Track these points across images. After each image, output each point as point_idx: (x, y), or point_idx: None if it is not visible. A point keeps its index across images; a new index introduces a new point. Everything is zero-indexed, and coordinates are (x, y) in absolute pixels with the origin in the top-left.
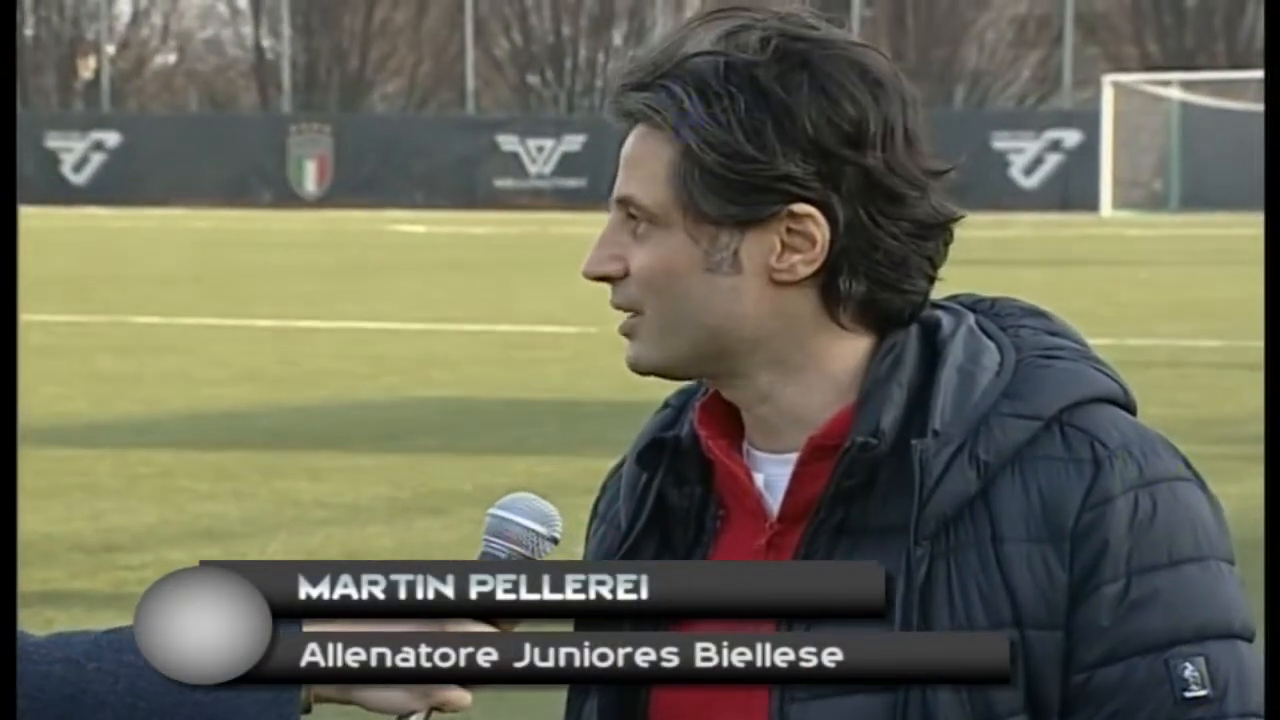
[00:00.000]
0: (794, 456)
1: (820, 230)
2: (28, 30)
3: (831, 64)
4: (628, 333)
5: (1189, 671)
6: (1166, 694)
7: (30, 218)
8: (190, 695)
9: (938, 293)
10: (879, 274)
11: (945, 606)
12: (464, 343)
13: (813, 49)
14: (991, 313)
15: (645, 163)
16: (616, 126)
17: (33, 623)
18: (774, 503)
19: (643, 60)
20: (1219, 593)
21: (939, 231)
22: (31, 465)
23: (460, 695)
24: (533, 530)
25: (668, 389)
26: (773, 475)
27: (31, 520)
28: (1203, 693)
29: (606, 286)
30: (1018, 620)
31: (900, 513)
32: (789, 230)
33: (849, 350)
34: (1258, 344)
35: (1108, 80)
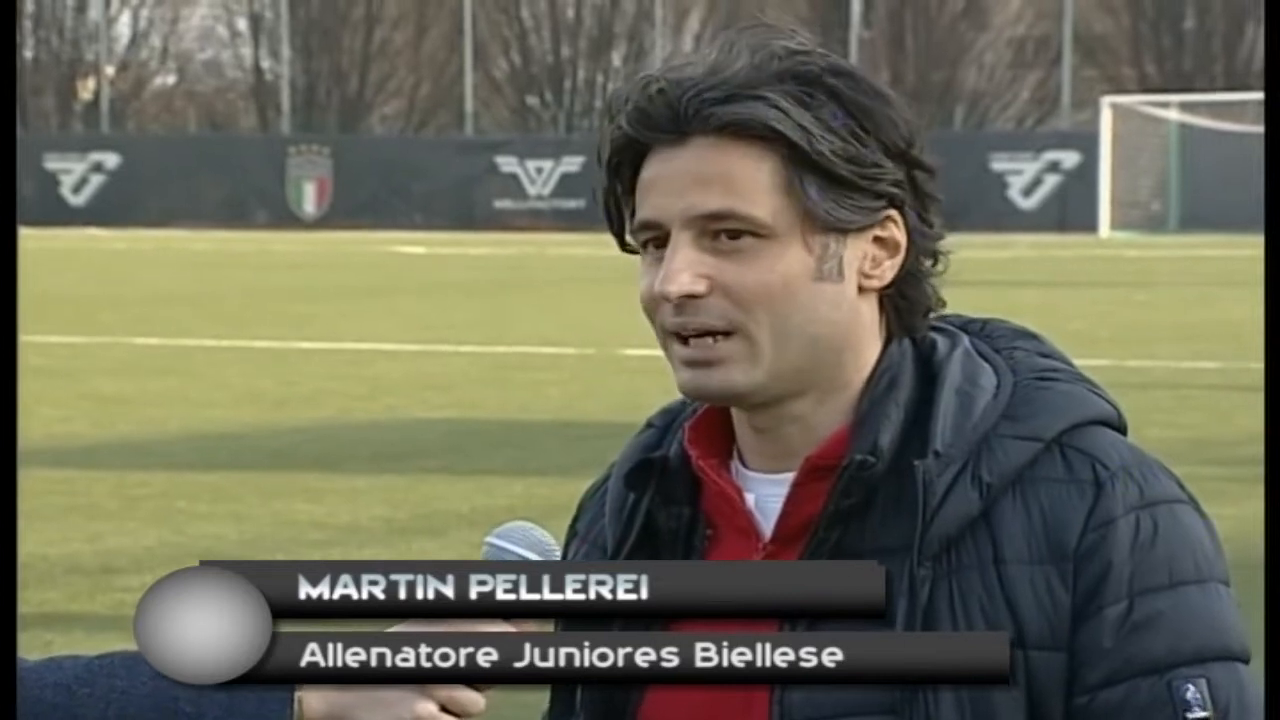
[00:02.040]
0: (788, 477)
1: (902, 235)
2: (27, 52)
3: (867, 76)
4: (716, 359)
5: (1191, 693)
6: (1169, 715)
7: (29, 239)
8: None
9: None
10: (929, 276)
11: (948, 627)
12: (462, 364)
13: (843, 62)
14: (983, 334)
15: (740, 175)
16: (644, 138)
17: (31, 645)
18: (765, 523)
19: (710, 74)
20: (1219, 614)
21: (943, 237)
22: (30, 486)
23: None
24: (529, 561)
25: None
26: (764, 495)
27: (30, 542)
28: (1204, 714)
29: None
30: (1020, 641)
31: (898, 534)
32: (876, 237)
33: (872, 363)
34: (1257, 365)
35: (1106, 102)
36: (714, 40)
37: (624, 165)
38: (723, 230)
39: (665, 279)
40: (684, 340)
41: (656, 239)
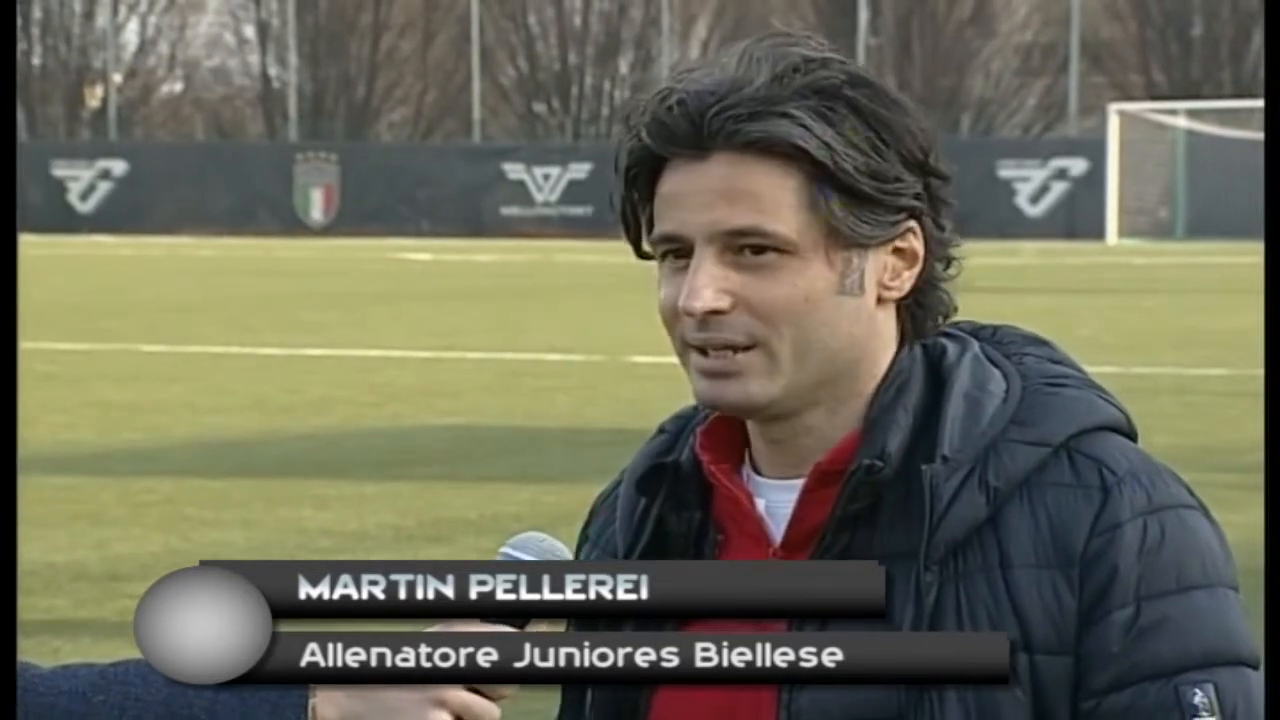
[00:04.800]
0: (798, 483)
1: (920, 245)
2: (35, 59)
3: (884, 84)
4: (735, 370)
5: (1198, 698)
6: None
7: (37, 246)
8: None
9: None
10: (944, 281)
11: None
12: (470, 371)
13: (860, 70)
14: (994, 340)
15: (765, 192)
16: (664, 152)
17: (38, 652)
18: (775, 528)
19: (733, 89)
20: (1227, 620)
21: (957, 242)
22: (36, 494)
23: None
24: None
25: None
26: (774, 501)
27: (36, 549)
28: (1212, 719)
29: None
30: (1027, 646)
31: (906, 539)
32: (896, 249)
33: (885, 369)
34: (1262, 372)
35: (1113, 109)
36: (729, 50)
37: (641, 176)
38: (747, 246)
39: (690, 295)
40: (704, 352)
41: (677, 250)
